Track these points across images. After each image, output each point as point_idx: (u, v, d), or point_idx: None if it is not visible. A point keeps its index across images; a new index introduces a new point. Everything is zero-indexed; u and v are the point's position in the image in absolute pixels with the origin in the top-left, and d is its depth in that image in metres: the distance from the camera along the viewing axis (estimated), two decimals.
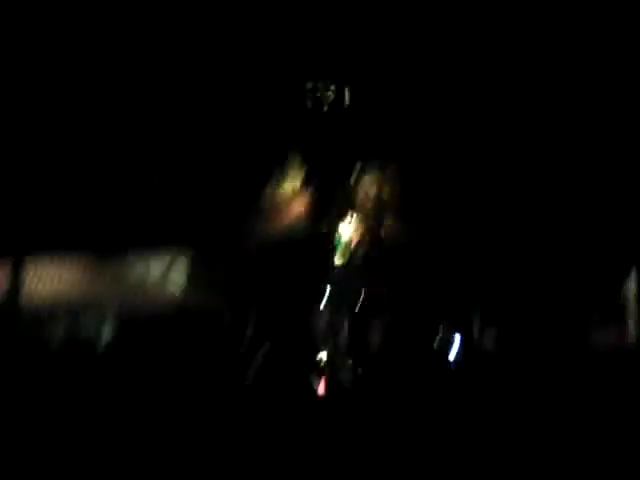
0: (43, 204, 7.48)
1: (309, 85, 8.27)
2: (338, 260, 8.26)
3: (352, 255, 8.11)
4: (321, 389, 6.64)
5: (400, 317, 7.97)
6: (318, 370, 6.89)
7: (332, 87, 8.23)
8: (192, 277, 15.15)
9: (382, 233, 8.25)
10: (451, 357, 7.79)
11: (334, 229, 8.31)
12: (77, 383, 5.65)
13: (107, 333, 12.57)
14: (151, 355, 7.98)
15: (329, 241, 8.39)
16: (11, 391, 6.02)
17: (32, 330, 10.67)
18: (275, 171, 8.57)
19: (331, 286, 8.43)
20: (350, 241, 8.09)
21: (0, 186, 7.04)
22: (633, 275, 7.89)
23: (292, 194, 8.61)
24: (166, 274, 15.29)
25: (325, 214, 8.46)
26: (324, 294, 8.69)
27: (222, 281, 13.76)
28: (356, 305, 8.03)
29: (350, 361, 7.54)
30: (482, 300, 8.50)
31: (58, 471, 4.80)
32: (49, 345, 9.21)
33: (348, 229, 8.09)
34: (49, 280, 11.51)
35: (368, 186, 8.16)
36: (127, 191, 7.76)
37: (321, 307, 8.38)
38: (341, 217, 8.28)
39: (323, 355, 7.56)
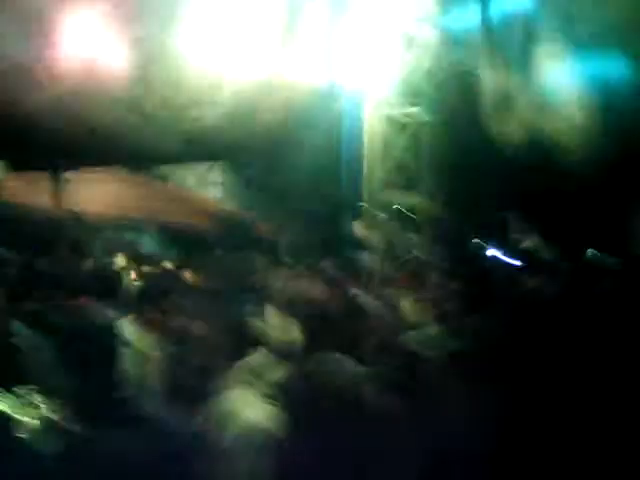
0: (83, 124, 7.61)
1: None
2: None
3: None
4: None
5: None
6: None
7: None
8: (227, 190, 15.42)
9: None
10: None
11: None
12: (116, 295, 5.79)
13: (149, 245, 13.00)
14: (190, 266, 8.22)
15: None
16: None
17: (77, 241, 11.12)
18: None
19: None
20: None
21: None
22: None
23: None
24: (202, 187, 15.58)
25: None
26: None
27: (256, 195, 14.01)
28: None
29: None
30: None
31: None
32: (93, 258, 9.59)
33: None
34: (91, 195, 11.87)
35: None
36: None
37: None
38: None
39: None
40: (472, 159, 8.92)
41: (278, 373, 3.20)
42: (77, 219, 11.01)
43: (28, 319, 4.39)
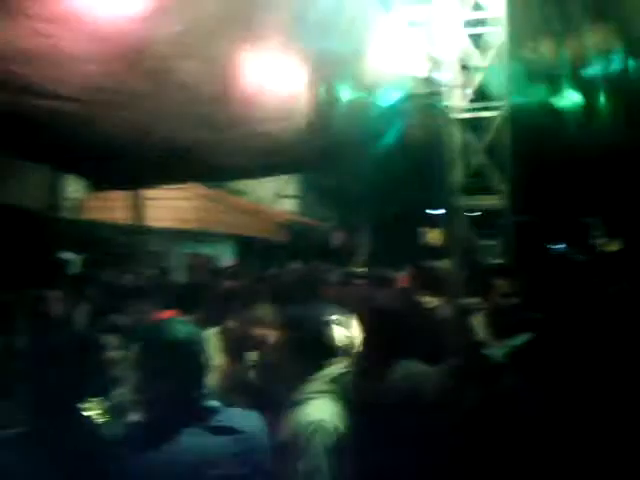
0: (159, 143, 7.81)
1: None
2: None
3: None
4: None
5: None
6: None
7: None
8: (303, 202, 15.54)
9: None
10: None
11: None
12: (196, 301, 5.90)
13: (224, 257, 13.23)
14: (268, 277, 8.32)
15: None
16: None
17: (157, 256, 11.41)
18: None
19: None
20: None
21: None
22: None
23: None
24: (277, 200, 15.76)
25: None
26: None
27: (332, 206, 14.09)
28: None
29: None
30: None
31: None
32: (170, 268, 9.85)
33: None
34: (169, 209, 12.16)
35: None
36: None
37: None
38: None
39: None
40: (552, 163, 8.76)
41: (358, 382, 3.21)
42: (156, 234, 11.33)
43: (115, 332, 4.56)
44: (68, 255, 9.15)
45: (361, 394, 3.22)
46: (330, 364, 3.10)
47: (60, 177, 8.70)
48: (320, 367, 3.08)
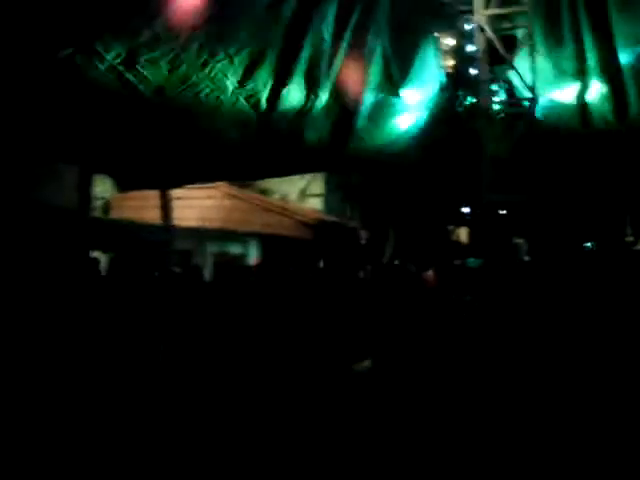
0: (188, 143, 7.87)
1: None
2: None
3: None
4: None
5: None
6: None
7: None
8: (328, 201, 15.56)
9: None
10: None
11: None
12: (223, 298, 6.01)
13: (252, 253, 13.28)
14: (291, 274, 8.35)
15: None
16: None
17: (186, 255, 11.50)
18: None
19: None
20: None
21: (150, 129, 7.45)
22: None
23: None
24: (304, 199, 15.80)
25: None
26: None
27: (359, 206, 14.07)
28: None
29: None
30: None
31: None
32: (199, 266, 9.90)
33: None
34: (199, 209, 12.26)
35: None
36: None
37: None
38: None
39: None
40: (584, 161, 8.66)
41: None
42: (185, 233, 11.41)
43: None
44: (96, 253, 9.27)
45: None
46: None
47: (91, 178, 8.82)
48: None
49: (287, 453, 3.44)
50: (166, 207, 10.53)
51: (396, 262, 8.79)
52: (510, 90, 8.31)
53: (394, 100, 7.93)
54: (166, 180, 9.29)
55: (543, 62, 8.43)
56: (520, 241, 8.52)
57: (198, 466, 3.51)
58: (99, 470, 3.40)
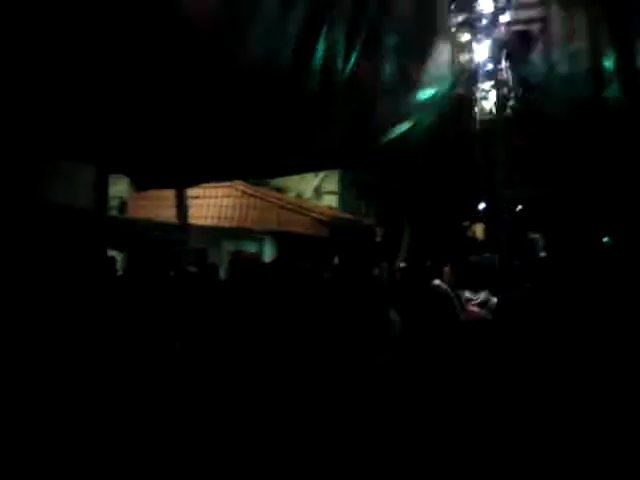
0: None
1: None
2: None
3: None
4: None
5: None
6: None
7: None
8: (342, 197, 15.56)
9: None
10: None
11: None
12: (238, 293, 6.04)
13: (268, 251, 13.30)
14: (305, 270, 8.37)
15: None
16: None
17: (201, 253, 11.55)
18: None
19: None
20: None
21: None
22: None
23: None
24: (318, 197, 15.81)
25: None
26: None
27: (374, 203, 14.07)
28: None
29: None
30: None
31: None
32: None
33: None
34: (215, 208, 12.31)
35: None
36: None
37: None
38: None
39: None
40: (599, 156, 8.60)
41: None
42: (201, 231, 11.46)
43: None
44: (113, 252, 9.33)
45: None
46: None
47: (108, 177, 8.87)
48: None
49: (311, 446, 3.46)
50: (182, 206, 10.60)
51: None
52: (525, 84, 8.27)
53: (409, 98, 7.91)
54: (182, 179, 9.29)
55: (558, 56, 8.39)
56: (536, 236, 8.49)
57: (216, 461, 3.54)
58: (110, 466, 3.44)
